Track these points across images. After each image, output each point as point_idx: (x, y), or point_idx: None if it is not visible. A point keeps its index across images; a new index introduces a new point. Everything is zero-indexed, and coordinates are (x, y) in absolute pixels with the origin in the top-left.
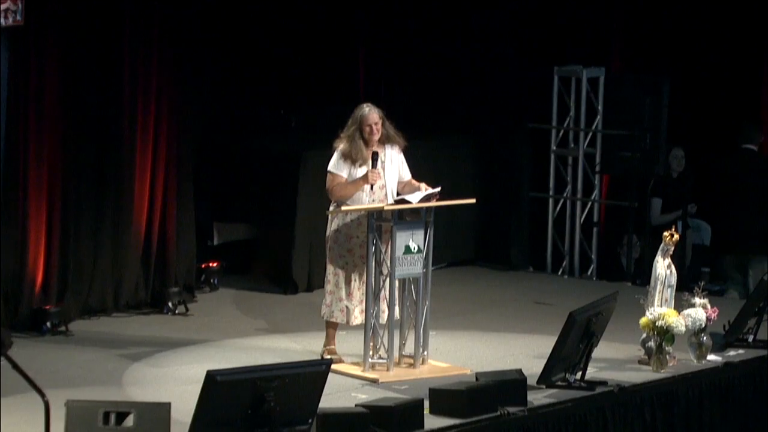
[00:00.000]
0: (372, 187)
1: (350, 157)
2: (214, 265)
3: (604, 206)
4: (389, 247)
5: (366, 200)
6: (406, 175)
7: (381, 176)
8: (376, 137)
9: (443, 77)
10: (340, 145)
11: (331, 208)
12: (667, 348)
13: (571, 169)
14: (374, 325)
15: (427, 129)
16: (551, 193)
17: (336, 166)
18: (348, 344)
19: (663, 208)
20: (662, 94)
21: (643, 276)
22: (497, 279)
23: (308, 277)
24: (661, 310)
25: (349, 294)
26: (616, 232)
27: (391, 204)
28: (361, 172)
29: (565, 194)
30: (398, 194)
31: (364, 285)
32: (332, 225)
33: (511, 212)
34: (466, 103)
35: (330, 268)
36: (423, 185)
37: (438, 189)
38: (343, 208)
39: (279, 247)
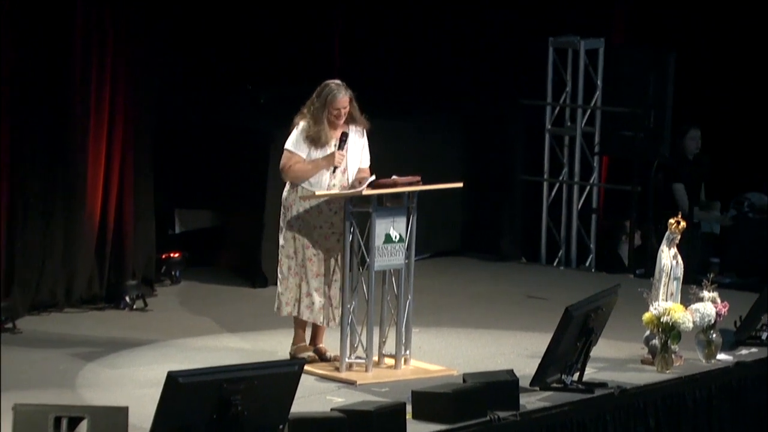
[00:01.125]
0: (335, 170)
1: (313, 138)
2: (176, 255)
3: (604, 191)
4: (366, 234)
5: (326, 184)
6: (365, 161)
7: (346, 156)
8: (342, 121)
9: (427, 49)
10: (301, 123)
11: (301, 192)
12: (672, 346)
13: (568, 150)
14: (352, 322)
15: (408, 107)
16: (546, 176)
17: (295, 144)
18: (324, 342)
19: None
20: (667, 67)
21: (646, 267)
22: (486, 271)
23: None
24: (666, 304)
25: (316, 289)
26: (617, 219)
27: (370, 188)
28: (320, 154)
29: (561, 177)
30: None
31: (335, 279)
32: (292, 212)
33: (501, 197)
34: (452, 77)
35: (290, 260)
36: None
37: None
38: (318, 193)
39: (247, 236)
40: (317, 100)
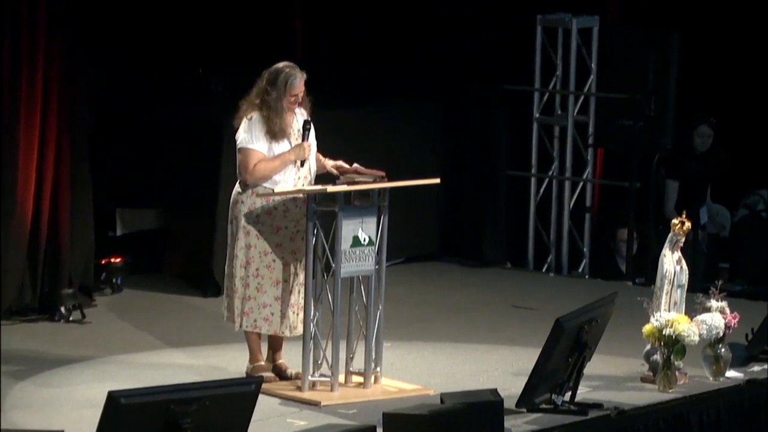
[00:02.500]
0: (302, 164)
1: (275, 131)
2: (117, 261)
3: (599, 188)
4: (331, 236)
5: (293, 180)
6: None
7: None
8: (296, 107)
9: (398, 28)
10: (254, 114)
11: (260, 189)
12: (676, 362)
13: (558, 142)
14: (315, 335)
15: (377, 92)
16: (533, 171)
17: (253, 140)
18: (283, 359)
19: (680, 192)
20: (670, 48)
21: (646, 273)
22: (467, 277)
23: None
24: (669, 315)
25: (276, 298)
26: (613, 219)
27: (338, 184)
28: (281, 147)
29: (550, 173)
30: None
31: (299, 286)
32: (248, 214)
33: (483, 195)
34: (427, 60)
35: (244, 269)
36: (356, 166)
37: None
38: (278, 189)
39: (197, 239)
40: (272, 88)
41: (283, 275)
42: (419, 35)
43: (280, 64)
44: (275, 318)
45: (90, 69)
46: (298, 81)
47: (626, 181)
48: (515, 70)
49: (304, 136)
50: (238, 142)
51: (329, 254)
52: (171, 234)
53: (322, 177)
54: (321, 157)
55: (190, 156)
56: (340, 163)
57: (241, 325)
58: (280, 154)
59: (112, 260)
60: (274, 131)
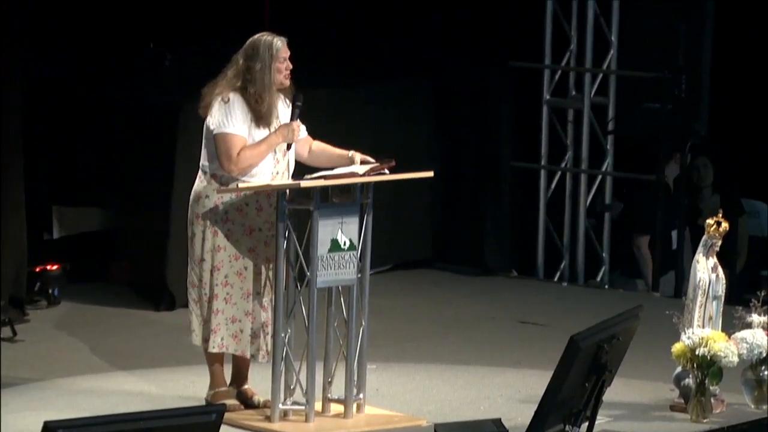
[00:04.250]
0: (289, 147)
1: (260, 113)
2: (54, 268)
3: (620, 182)
4: (306, 239)
5: (270, 171)
6: (303, 130)
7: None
8: (289, 78)
9: (388, 3)
10: (230, 94)
11: (224, 185)
12: (711, 387)
13: (573, 128)
14: (286, 356)
15: (363, 72)
16: (543, 162)
17: (234, 123)
18: (249, 383)
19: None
20: (704, 17)
21: (677, 282)
22: (465, 288)
23: None
24: (703, 332)
25: (248, 312)
26: (636, 218)
27: (313, 177)
28: (264, 131)
29: (563, 164)
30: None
31: (271, 299)
32: (214, 213)
33: (484, 191)
34: (418, 33)
35: (211, 275)
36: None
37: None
38: (243, 185)
39: (148, 242)
40: (254, 61)
41: (255, 286)
42: (410, 4)
43: (255, 36)
44: (244, 336)
45: (20, 40)
46: (282, 44)
47: (652, 174)
48: (522, 44)
49: (293, 114)
50: (213, 128)
51: (303, 260)
52: (117, 236)
53: (303, 169)
54: (327, 147)
55: (140, 144)
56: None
57: (208, 345)
58: (266, 137)
59: (48, 267)
60: (260, 112)
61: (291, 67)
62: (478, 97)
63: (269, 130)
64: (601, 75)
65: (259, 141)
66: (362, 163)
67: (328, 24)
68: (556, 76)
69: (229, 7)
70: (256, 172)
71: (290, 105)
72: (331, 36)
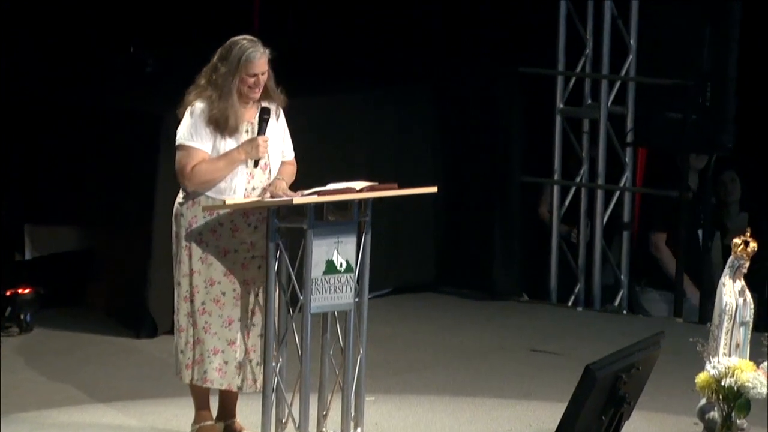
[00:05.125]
0: (256, 164)
1: (218, 120)
2: (26, 292)
3: (640, 198)
4: (298, 261)
5: (244, 188)
6: (289, 152)
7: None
8: (257, 94)
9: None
10: (198, 103)
11: (205, 202)
12: (739, 421)
13: (588, 140)
14: (278, 387)
15: (358, 76)
16: (556, 176)
17: (193, 134)
18: (237, 417)
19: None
20: (731, 20)
21: (701, 307)
22: (472, 313)
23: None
24: (729, 361)
25: (231, 342)
26: (651, 215)
27: (307, 194)
28: (230, 144)
29: (578, 179)
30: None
31: (255, 323)
32: (190, 233)
33: (493, 208)
34: (420, 35)
35: (189, 303)
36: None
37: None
38: (230, 201)
39: (128, 264)
40: (223, 64)
41: (237, 312)
42: (412, 4)
43: (237, 37)
44: (229, 368)
45: None
46: (257, 58)
47: (675, 190)
48: (532, 47)
49: (260, 129)
50: (177, 138)
51: (296, 283)
52: (95, 257)
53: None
54: (283, 170)
55: (119, 157)
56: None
57: (191, 378)
58: (227, 152)
59: (20, 291)
60: (219, 121)
61: (261, 84)
62: (485, 106)
63: (238, 137)
64: (619, 82)
65: (219, 155)
66: (272, 196)
67: (322, 26)
68: (570, 83)
69: (216, 7)
70: (225, 188)
71: (277, 117)
72: (325, 39)
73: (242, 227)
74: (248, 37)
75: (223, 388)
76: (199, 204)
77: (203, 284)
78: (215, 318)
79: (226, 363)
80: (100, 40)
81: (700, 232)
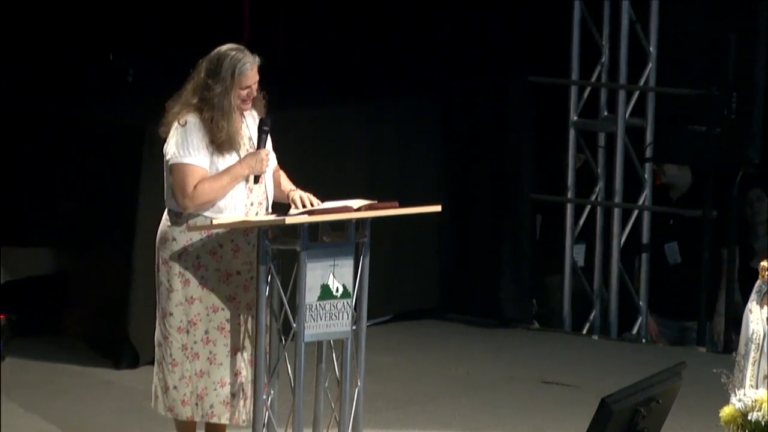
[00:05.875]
0: (257, 180)
1: (215, 138)
2: None
3: (660, 218)
4: (291, 285)
5: (244, 204)
6: (273, 160)
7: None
8: (249, 105)
9: (389, 6)
10: (189, 117)
11: (196, 221)
12: None
13: (604, 155)
14: (269, 422)
15: (357, 88)
16: (570, 195)
17: (190, 151)
18: None
19: None
20: (757, 26)
21: (726, 335)
22: (479, 342)
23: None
24: (757, 393)
25: (236, 372)
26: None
27: (298, 212)
28: (227, 163)
29: (593, 197)
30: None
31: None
32: (184, 257)
33: (501, 228)
34: (425, 45)
35: (187, 334)
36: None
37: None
38: (218, 221)
39: (108, 289)
40: (215, 80)
41: (242, 339)
42: (413, 9)
43: (223, 48)
44: (236, 402)
45: None
46: (250, 68)
47: (699, 209)
48: (543, 55)
49: (261, 141)
50: (168, 158)
51: (288, 309)
52: (71, 281)
53: (284, 204)
54: (283, 179)
55: (97, 174)
56: (303, 195)
57: (190, 415)
58: (229, 168)
59: None
60: (219, 140)
61: (253, 94)
62: (493, 119)
63: (238, 155)
64: (637, 92)
65: (221, 172)
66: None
67: (316, 32)
68: (585, 94)
69: (202, 13)
70: (225, 206)
71: (263, 117)
72: (319, 46)
73: (243, 247)
74: (234, 46)
75: (230, 423)
76: (190, 226)
77: (205, 312)
78: (221, 347)
79: (233, 396)
80: (77, 47)
81: (724, 252)
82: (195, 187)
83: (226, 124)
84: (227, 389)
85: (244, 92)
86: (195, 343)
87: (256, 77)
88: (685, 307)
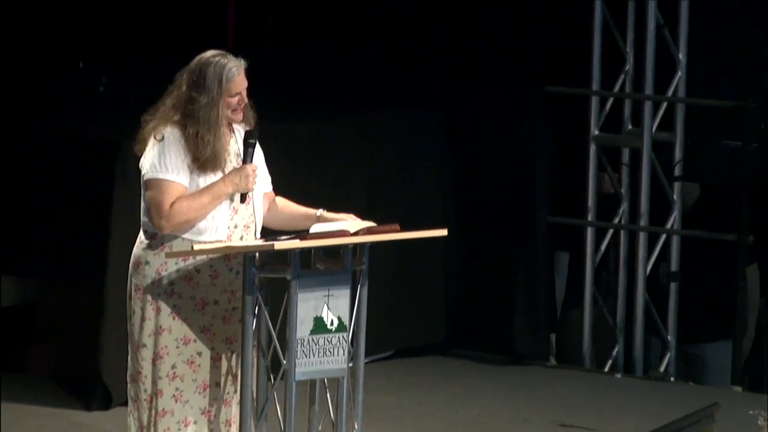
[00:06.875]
0: (243, 199)
1: (200, 155)
2: None
3: (690, 243)
4: (281, 317)
5: (227, 227)
6: (268, 183)
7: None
8: (241, 115)
9: (385, 3)
10: (167, 130)
11: (168, 248)
12: None
13: (629, 173)
14: None
15: (354, 99)
16: (590, 217)
17: (167, 166)
18: None
19: None
20: None
21: (763, 374)
22: (489, 380)
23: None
24: None
25: (205, 411)
26: (712, 289)
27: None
28: (211, 178)
29: (617, 220)
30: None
31: (238, 393)
32: (157, 284)
33: (514, 254)
34: (430, 51)
35: (153, 367)
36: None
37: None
38: (199, 247)
39: (77, 321)
40: (200, 91)
41: (213, 376)
42: (414, 11)
43: (204, 55)
44: None
45: None
46: (237, 72)
47: (732, 233)
48: (563, 63)
49: (246, 156)
50: (144, 172)
51: (278, 345)
52: (37, 313)
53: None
54: (289, 203)
55: (66, 194)
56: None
57: None
58: (210, 185)
59: None
60: (204, 157)
61: (244, 101)
62: (505, 133)
63: (222, 173)
64: (665, 104)
65: (202, 189)
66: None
67: (308, 37)
68: (607, 106)
69: (182, 16)
70: (206, 227)
71: (249, 129)
72: (313, 52)
73: (222, 273)
74: (216, 52)
75: None
76: (171, 249)
77: (174, 343)
78: (188, 383)
79: None
80: (45, 54)
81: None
82: (172, 205)
83: (213, 139)
84: (192, 429)
85: (234, 100)
86: (160, 377)
87: (245, 82)
88: (689, 332)
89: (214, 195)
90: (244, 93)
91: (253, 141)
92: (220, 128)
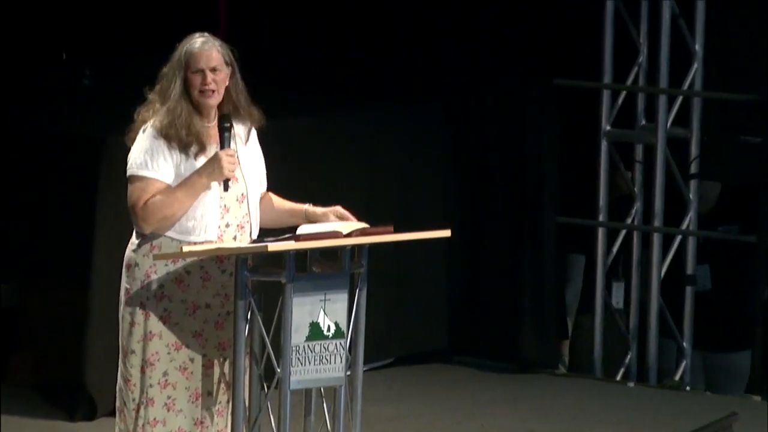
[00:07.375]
0: (226, 187)
1: (178, 142)
2: None
3: (707, 244)
4: (275, 323)
5: (215, 225)
6: (264, 181)
7: (238, 165)
8: (213, 99)
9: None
10: (152, 121)
11: (157, 248)
12: None
13: (642, 171)
14: None
15: (352, 93)
16: (601, 218)
17: (148, 162)
18: None
19: None
20: None
21: None
22: (494, 389)
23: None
24: None
25: (198, 421)
26: (730, 294)
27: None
28: (197, 165)
29: (629, 220)
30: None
31: (228, 399)
32: (147, 286)
33: (521, 256)
34: (432, 42)
35: (142, 375)
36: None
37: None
38: (188, 248)
39: (61, 328)
40: (170, 66)
41: (206, 384)
42: (415, 1)
43: (191, 36)
44: None
45: None
46: (199, 48)
47: (752, 234)
48: (573, 56)
49: (223, 141)
50: (127, 168)
51: (271, 352)
52: (19, 320)
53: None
54: (276, 198)
55: (49, 194)
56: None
57: None
58: (188, 178)
59: None
60: (181, 143)
61: (212, 84)
62: (511, 129)
63: (202, 158)
64: (680, 98)
65: (180, 184)
66: (312, 220)
67: (305, 29)
68: (619, 100)
69: (171, 7)
70: (194, 227)
71: (246, 138)
72: (309, 45)
73: (215, 275)
74: (205, 35)
75: None
76: (160, 249)
77: (165, 349)
78: (181, 391)
79: None
80: (25, 46)
81: None
82: (147, 204)
83: (174, 116)
84: None
85: (197, 77)
86: (150, 385)
87: (212, 62)
88: (715, 340)
89: (189, 187)
90: (211, 74)
91: (228, 125)
92: (181, 102)
